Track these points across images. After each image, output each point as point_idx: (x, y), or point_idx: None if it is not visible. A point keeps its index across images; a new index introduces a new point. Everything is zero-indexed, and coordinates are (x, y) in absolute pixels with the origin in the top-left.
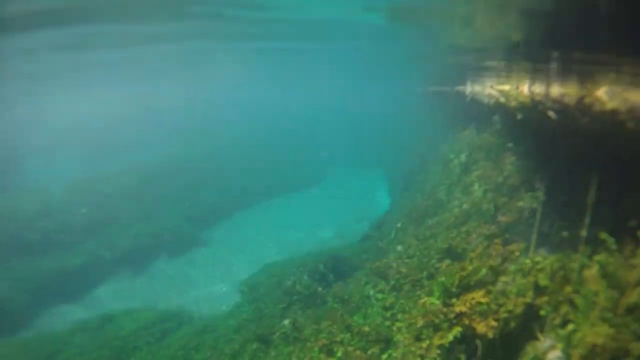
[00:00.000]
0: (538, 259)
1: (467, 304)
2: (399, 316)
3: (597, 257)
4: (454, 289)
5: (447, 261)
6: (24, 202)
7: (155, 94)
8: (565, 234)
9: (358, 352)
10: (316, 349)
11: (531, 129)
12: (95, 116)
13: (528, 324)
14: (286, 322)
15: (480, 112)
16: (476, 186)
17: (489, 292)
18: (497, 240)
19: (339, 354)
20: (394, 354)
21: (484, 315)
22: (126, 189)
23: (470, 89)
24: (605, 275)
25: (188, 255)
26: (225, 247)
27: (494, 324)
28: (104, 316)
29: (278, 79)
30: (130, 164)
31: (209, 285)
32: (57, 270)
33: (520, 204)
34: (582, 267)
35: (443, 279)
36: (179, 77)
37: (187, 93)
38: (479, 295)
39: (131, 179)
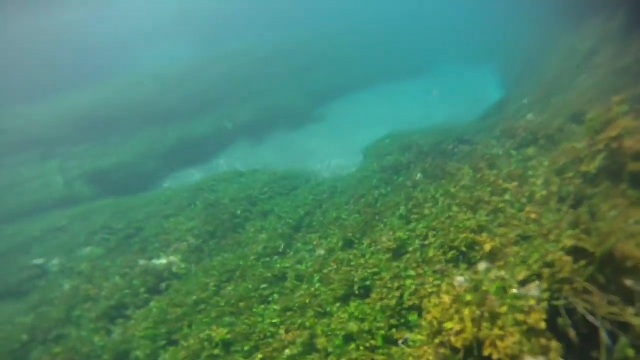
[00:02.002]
0: None
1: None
2: (540, 160)
3: None
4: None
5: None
6: (145, 81)
7: None
8: None
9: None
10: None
11: None
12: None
13: None
14: (418, 175)
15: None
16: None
17: None
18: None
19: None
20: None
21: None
22: (240, 68)
23: None
24: None
25: (305, 128)
26: (341, 122)
27: None
28: (234, 172)
29: None
30: (242, 46)
31: (327, 154)
32: (183, 140)
33: None
34: None
35: (590, 122)
36: None
37: None
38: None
39: (244, 59)
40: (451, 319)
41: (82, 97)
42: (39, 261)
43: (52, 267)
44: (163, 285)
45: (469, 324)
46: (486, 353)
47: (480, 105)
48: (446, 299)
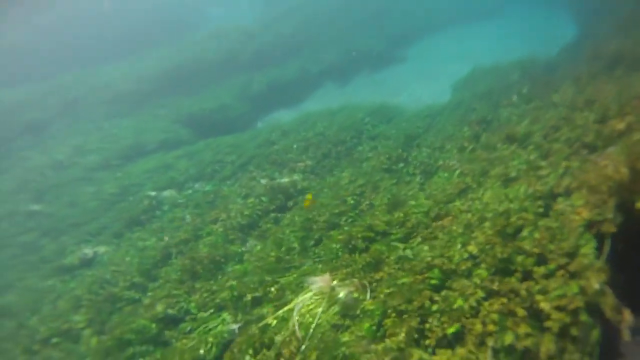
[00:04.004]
0: None
1: None
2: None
3: None
4: None
5: None
6: (228, 34)
7: None
8: None
9: None
10: None
11: None
12: None
13: None
14: (514, 97)
15: None
16: None
17: None
18: None
19: None
20: None
21: None
22: (319, 15)
23: None
24: None
25: (388, 69)
26: (422, 62)
27: None
28: (328, 109)
29: None
30: None
31: (413, 91)
32: (271, 84)
33: None
34: None
35: None
36: None
37: None
38: None
39: (323, 5)
40: None
41: (166, 54)
42: (152, 193)
43: (167, 198)
44: (290, 203)
45: None
46: None
47: (557, 42)
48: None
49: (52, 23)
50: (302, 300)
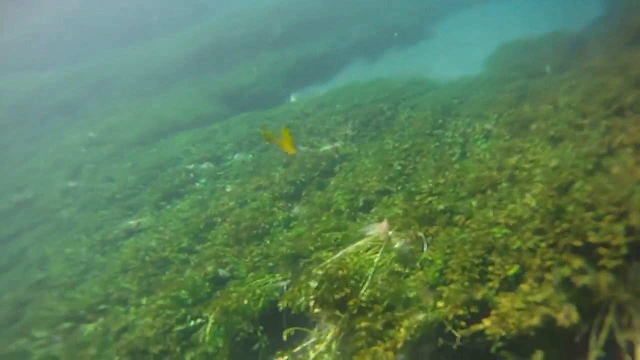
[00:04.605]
0: None
1: None
2: None
3: None
4: None
5: None
6: (256, 13)
7: None
8: None
9: None
10: None
11: None
12: None
13: None
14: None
15: None
16: None
17: None
18: None
19: None
20: None
21: None
22: None
23: None
24: None
25: (417, 45)
26: (452, 38)
27: None
28: (359, 83)
29: None
30: None
31: (445, 66)
32: (301, 60)
33: None
34: None
35: None
36: None
37: None
38: None
39: None
40: None
41: (196, 33)
42: (190, 166)
43: (205, 171)
44: (337, 168)
45: None
46: None
47: (584, 17)
48: None
49: (80, 7)
50: (359, 245)
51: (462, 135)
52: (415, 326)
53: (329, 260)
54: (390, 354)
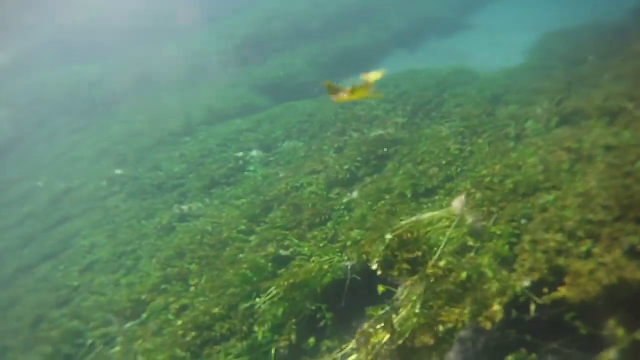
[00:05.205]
0: None
1: None
2: None
3: None
4: None
5: None
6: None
7: None
8: None
9: None
10: None
11: None
12: None
13: None
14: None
15: None
16: None
17: None
18: None
19: None
20: None
21: None
22: None
23: None
24: None
25: (457, 36)
26: (491, 28)
27: None
28: (401, 73)
29: None
30: None
31: (486, 57)
32: (342, 51)
33: None
34: None
35: None
36: None
37: None
38: None
39: None
40: None
41: (233, 25)
42: (239, 154)
43: (255, 158)
44: (392, 151)
45: None
46: None
47: (621, 6)
48: None
49: (121, 4)
50: (433, 215)
51: (514, 119)
52: (499, 300)
53: (403, 223)
54: (488, 324)
